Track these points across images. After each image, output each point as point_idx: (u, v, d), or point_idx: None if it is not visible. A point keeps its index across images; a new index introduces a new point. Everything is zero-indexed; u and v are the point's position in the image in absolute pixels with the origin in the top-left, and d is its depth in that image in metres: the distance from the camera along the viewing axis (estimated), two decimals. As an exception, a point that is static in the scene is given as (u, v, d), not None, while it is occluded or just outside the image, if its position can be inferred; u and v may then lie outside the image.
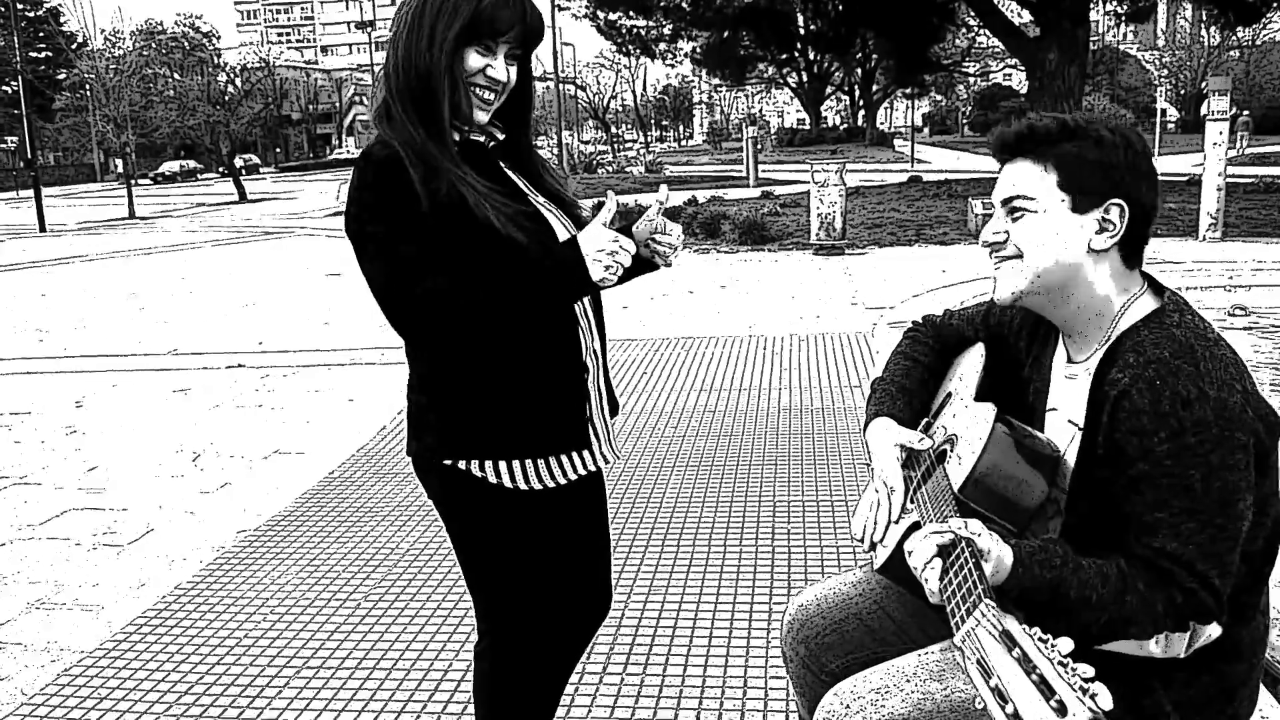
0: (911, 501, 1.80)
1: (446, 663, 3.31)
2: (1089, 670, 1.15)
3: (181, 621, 3.69)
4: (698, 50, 46.98)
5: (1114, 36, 64.57)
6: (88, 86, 38.65)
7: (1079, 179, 1.65)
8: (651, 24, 34.35)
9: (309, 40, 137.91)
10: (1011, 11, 27.56)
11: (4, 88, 58.60)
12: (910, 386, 2.02)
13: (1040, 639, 1.21)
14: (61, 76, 53.88)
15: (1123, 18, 29.34)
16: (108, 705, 3.15)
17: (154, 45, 48.02)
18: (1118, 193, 1.64)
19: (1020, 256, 1.68)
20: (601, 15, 34.20)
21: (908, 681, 1.72)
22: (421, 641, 3.46)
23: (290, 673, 3.29)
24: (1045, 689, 1.15)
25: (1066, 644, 1.19)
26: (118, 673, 3.35)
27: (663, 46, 40.95)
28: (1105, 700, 1.12)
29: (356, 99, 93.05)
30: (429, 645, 3.43)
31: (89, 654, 3.48)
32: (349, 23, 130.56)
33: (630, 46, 39.92)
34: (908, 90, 57.60)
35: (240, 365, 8.13)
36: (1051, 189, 1.65)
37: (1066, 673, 1.15)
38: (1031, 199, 1.66)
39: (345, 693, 3.15)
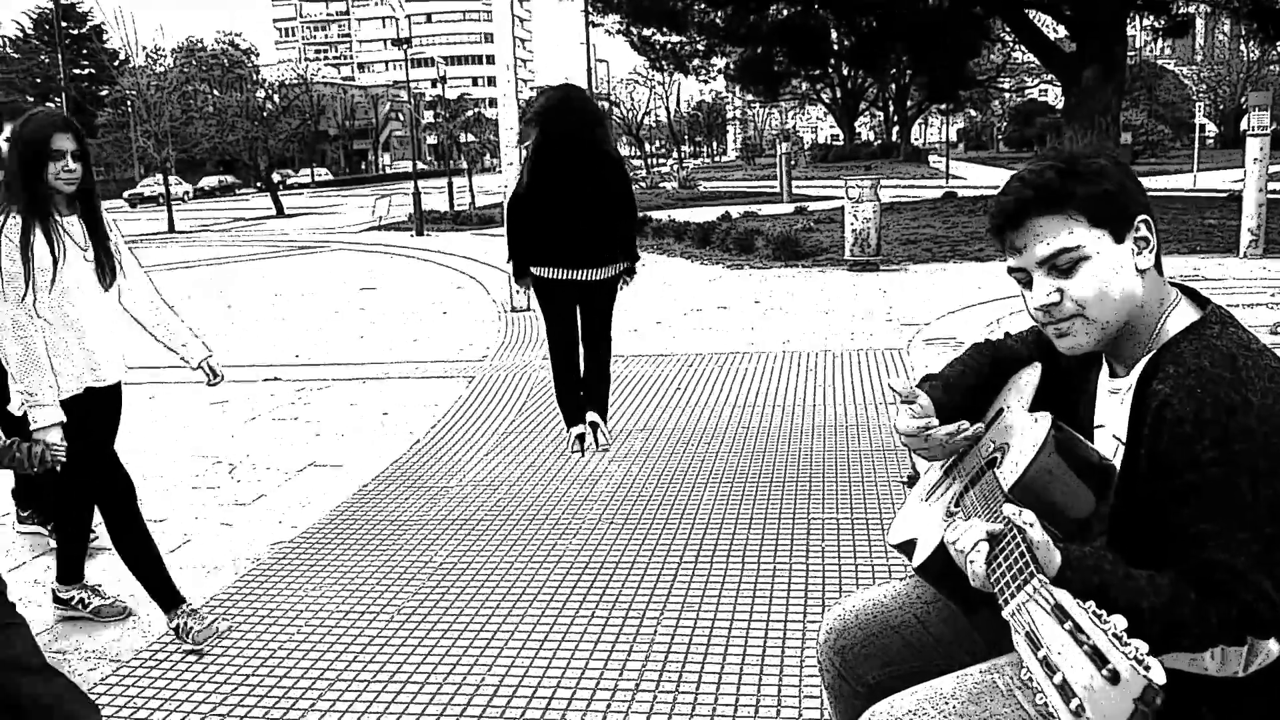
0: (957, 505, 1.78)
1: (479, 676, 3.31)
2: (1144, 646, 1.13)
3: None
4: (731, 66, 47.00)
5: (1151, 51, 64.01)
6: (129, 103, 39.18)
7: (1106, 211, 1.63)
8: (685, 40, 34.42)
9: (346, 57, 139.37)
10: (1047, 27, 27.41)
11: (48, 104, 59.47)
12: (954, 382, 2.03)
13: (1095, 613, 1.19)
14: (104, 93, 54.75)
15: (1160, 33, 29.05)
16: (142, 716, 3.17)
17: (194, 62, 48.67)
18: (1138, 209, 1.65)
19: (1084, 309, 1.64)
20: (635, 31, 34.28)
21: (945, 703, 1.70)
22: (454, 655, 3.46)
23: (324, 685, 3.30)
24: (1098, 658, 1.13)
25: (1121, 620, 1.17)
26: (153, 682, 3.37)
27: (696, 62, 41.00)
28: (1159, 674, 1.10)
29: (392, 115, 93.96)
30: (461, 659, 3.44)
31: (126, 663, 3.51)
32: (385, 40, 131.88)
33: (664, 62, 39.99)
34: (942, 106, 57.35)
35: (276, 378, 8.20)
36: (1088, 231, 1.63)
37: (1120, 645, 1.13)
38: (1077, 247, 1.63)
39: (378, 705, 3.16)
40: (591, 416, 5.75)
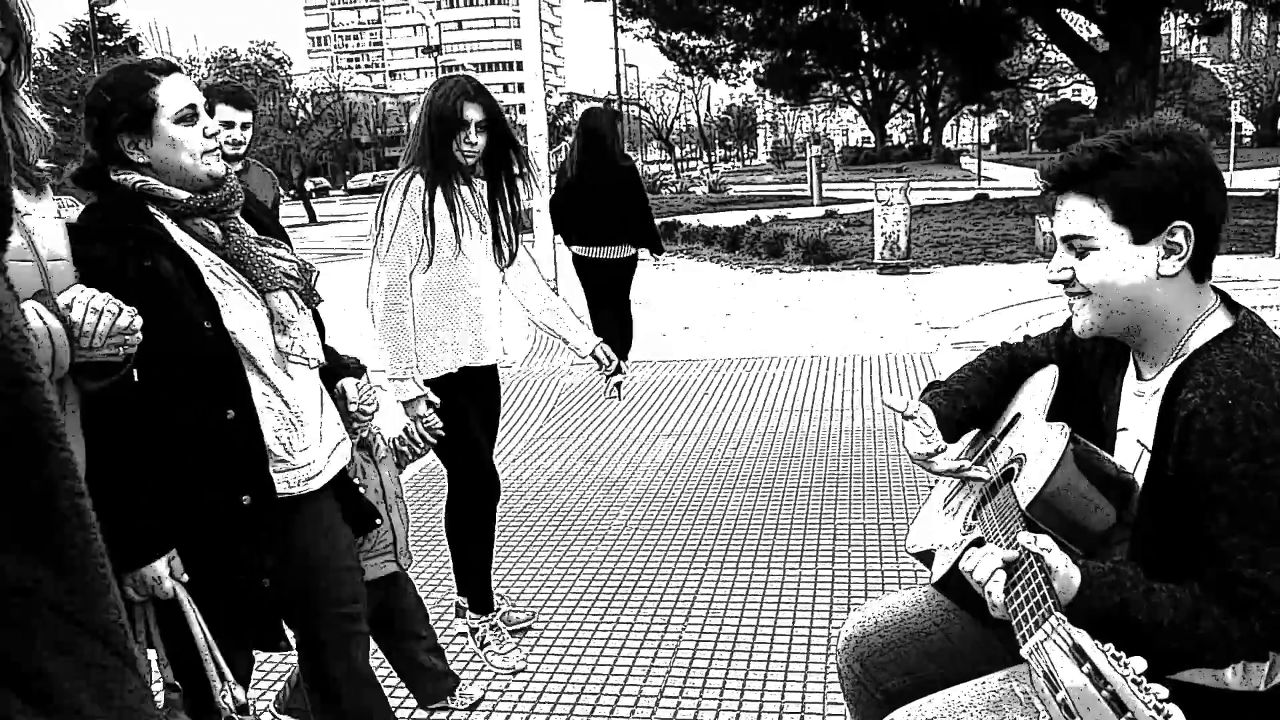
0: (974, 519, 1.76)
1: (504, 682, 3.32)
2: (1163, 691, 1.12)
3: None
4: (761, 70, 46.96)
5: (1186, 49, 63.23)
6: (165, 113, 39.69)
7: (1134, 210, 1.58)
8: (714, 44, 34.40)
9: (378, 65, 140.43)
10: (1080, 26, 27.16)
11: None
12: (961, 389, 2.01)
13: (1114, 655, 1.18)
14: (140, 104, 55.32)
15: (1195, 30, 28.73)
16: None
17: (228, 72, 49.16)
18: (1179, 214, 1.57)
19: (1089, 294, 1.64)
20: (664, 36, 34.34)
21: (964, 711, 1.69)
22: (479, 661, 3.48)
23: (351, 691, 3.33)
24: (1116, 706, 1.12)
25: (1140, 663, 1.16)
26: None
27: (725, 66, 40.93)
28: None
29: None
30: (486, 666, 3.45)
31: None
32: (416, 48, 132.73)
33: (693, 67, 39.96)
34: (974, 107, 56.95)
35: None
36: (1108, 225, 1.60)
37: (1140, 691, 1.12)
38: (1090, 237, 1.61)
39: (409, 705, 3.18)
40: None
